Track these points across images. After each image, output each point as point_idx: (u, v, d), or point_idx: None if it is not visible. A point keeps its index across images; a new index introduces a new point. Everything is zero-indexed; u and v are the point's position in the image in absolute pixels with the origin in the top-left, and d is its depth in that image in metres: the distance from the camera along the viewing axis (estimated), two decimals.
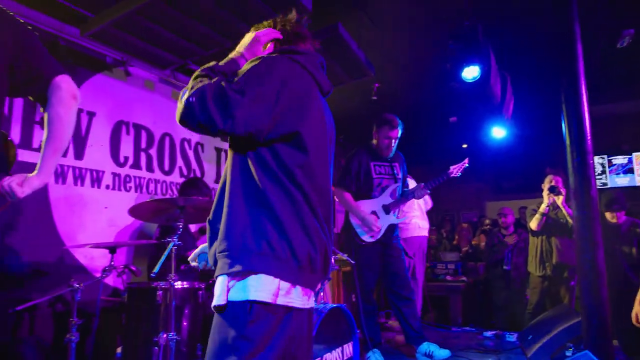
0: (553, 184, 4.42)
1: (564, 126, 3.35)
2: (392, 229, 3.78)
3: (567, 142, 3.33)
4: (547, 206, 4.41)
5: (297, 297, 1.28)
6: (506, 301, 5.46)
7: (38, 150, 3.35)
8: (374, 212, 3.68)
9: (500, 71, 4.17)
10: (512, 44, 4.45)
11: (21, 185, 1.48)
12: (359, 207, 3.67)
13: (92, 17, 3.43)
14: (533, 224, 4.58)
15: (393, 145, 3.78)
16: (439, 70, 4.51)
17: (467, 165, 3.79)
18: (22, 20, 1.53)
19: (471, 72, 3.56)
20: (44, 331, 3.23)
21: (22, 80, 1.47)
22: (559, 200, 4.34)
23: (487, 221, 7.48)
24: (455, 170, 3.78)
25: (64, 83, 1.52)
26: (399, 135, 3.79)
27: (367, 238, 3.70)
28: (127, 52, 3.77)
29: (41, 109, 1.56)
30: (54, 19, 3.45)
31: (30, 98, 1.57)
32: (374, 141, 3.85)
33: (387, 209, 3.71)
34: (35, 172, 1.52)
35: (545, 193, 4.42)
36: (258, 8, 3.10)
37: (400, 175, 3.86)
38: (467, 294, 6.08)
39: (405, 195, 3.77)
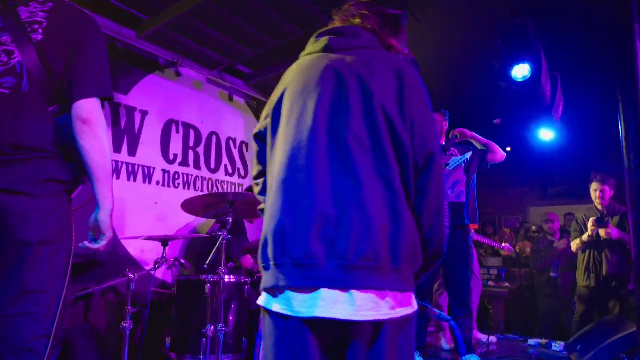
0: (599, 208, 4.24)
1: (620, 128, 3.22)
2: (451, 215, 3.30)
3: (624, 144, 3.19)
4: (590, 236, 4.21)
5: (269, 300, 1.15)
6: (552, 309, 5.29)
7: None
8: None
9: (550, 71, 4.05)
10: (564, 43, 4.31)
11: (99, 238, 1.51)
12: None
13: (146, 19, 3.58)
14: (573, 246, 4.44)
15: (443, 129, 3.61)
16: (484, 69, 4.42)
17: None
18: (91, 23, 1.48)
19: (521, 71, 3.48)
20: (98, 319, 3.38)
21: (63, 87, 1.38)
22: (603, 232, 4.12)
23: (534, 227, 7.25)
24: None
25: (78, 109, 1.36)
26: (441, 118, 3.60)
27: None
28: (178, 52, 3.91)
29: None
30: (111, 21, 3.62)
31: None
32: None
33: None
34: (97, 209, 1.48)
35: (590, 224, 4.21)
36: (308, 9, 3.14)
37: (455, 153, 3.57)
38: (510, 301, 5.91)
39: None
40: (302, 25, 1.64)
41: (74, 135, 1.37)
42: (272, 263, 1.11)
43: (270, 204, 1.17)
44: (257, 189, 1.44)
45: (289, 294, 1.07)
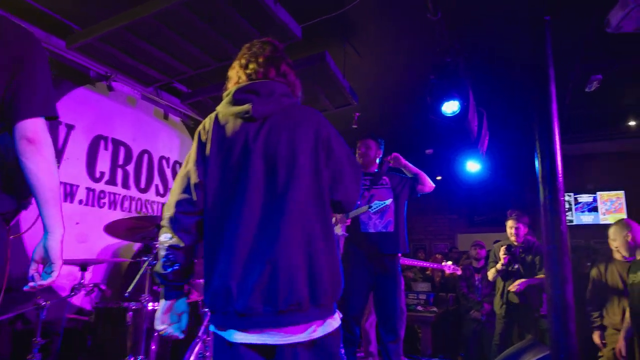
0: (511, 237, 4.56)
1: (537, 164, 3.48)
2: (380, 244, 3.49)
3: (540, 179, 3.45)
4: (503, 265, 4.51)
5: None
6: (476, 333, 5.51)
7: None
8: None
9: (477, 107, 4.32)
10: (490, 82, 4.64)
11: (48, 271, 1.43)
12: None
13: (79, 30, 3.41)
14: (489, 275, 4.73)
15: (368, 152, 3.69)
16: (417, 103, 4.65)
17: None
18: (35, 41, 1.42)
19: (451, 107, 3.67)
20: (2, 351, 3.06)
21: (10, 99, 1.32)
22: (512, 287, 4.42)
23: (465, 256, 7.59)
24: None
25: (24, 129, 1.32)
26: (375, 146, 3.72)
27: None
28: (112, 66, 3.75)
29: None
30: (40, 29, 3.41)
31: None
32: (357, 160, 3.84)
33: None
34: (45, 235, 1.41)
35: (502, 252, 4.51)
36: (247, 31, 3.14)
37: (390, 184, 3.66)
38: (437, 325, 6.10)
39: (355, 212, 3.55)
40: (241, 47, 1.66)
41: (18, 155, 1.31)
42: (221, 312, 1.40)
43: (214, 259, 1.44)
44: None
45: (233, 331, 1.39)
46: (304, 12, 3.32)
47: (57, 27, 3.44)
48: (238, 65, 1.65)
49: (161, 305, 1.52)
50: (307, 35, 3.37)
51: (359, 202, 3.54)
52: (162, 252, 1.50)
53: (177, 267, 1.49)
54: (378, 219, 3.57)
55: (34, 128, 1.32)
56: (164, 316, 1.51)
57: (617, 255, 4.02)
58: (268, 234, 1.40)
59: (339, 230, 3.50)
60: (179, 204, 1.52)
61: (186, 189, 1.53)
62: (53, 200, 1.38)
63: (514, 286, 4.39)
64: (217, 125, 1.57)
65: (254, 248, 1.40)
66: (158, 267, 1.50)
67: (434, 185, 3.75)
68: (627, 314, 3.69)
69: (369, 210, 3.47)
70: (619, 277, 3.85)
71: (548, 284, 3.36)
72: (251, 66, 1.60)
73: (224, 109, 1.59)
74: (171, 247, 1.49)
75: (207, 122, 1.62)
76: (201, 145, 1.57)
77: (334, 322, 1.45)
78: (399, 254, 3.57)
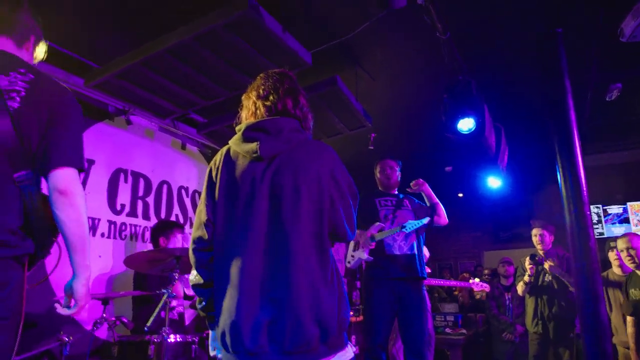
0: (537, 247, 4.44)
1: (559, 178, 3.39)
2: (404, 267, 3.40)
3: (563, 193, 3.36)
4: (530, 276, 4.39)
5: None
6: (509, 355, 5.30)
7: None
8: (357, 242, 3.56)
9: (494, 123, 4.26)
10: (505, 97, 4.59)
11: (72, 305, 1.54)
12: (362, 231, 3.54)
13: (97, 68, 3.52)
14: (518, 289, 4.60)
15: (391, 175, 3.70)
16: (434, 121, 4.60)
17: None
18: (70, 96, 1.52)
19: (466, 124, 3.63)
20: None
21: (37, 155, 1.41)
22: (547, 265, 4.31)
23: (486, 271, 7.39)
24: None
25: (63, 179, 1.40)
26: (394, 165, 3.75)
27: (346, 263, 3.60)
28: (129, 101, 3.84)
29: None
30: (59, 69, 3.54)
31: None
32: (378, 182, 3.84)
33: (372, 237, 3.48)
34: (74, 277, 1.52)
35: (527, 263, 4.40)
36: (257, 60, 3.19)
37: (404, 208, 3.65)
38: (467, 348, 5.90)
39: (381, 234, 3.50)
40: (253, 77, 1.70)
41: (51, 205, 1.41)
42: (230, 349, 1.43)
43: (221, 296, 1.48)
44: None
45: None
46: (313, 38, 3.37)
47: (75, 66, 3.56)
48: (255, 96, 1.67)
49: (210, 334, 1.65)
50: (317, 61, 3.40)
51: (383, 224, 3.51)
52: (193, 290, 1.63)
53: (204, 303, 1.60)
54: (403, 241, 3.52)
55: (66, 179, 1.41)
56: (213, 343, 1.63)
57: (617, 270, 3.95)
58: (273, 275, 1.42)
59: (362, 255, 3.44)
60: (195, 240, 1.60)
61: (199, 226, 1.60)
62: (81, 248, 1.48)
63: (548, 263, 4.27)
64: (227, 162, 1.61)
65: (260, 288, 1.41)
66: (197, 303, 1.64)
67: (447, 221, 3.73)
68: (631, 330, 3.56)
69: (403, 230, 3.42)
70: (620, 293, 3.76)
71: (580, 302, 3.23)
72: (272, 98, 1.64)
73: (234, 145, 1.63)
74: (195, 286, 1.60)
75: (218, 157, 1.66)
76: (211, 183, 1.62)
77: (347, 354, 1.46)
78: (423, 277, 3.50)
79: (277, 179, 1.51)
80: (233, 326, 1.40)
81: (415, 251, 3.49)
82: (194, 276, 1.60)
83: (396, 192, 3.81)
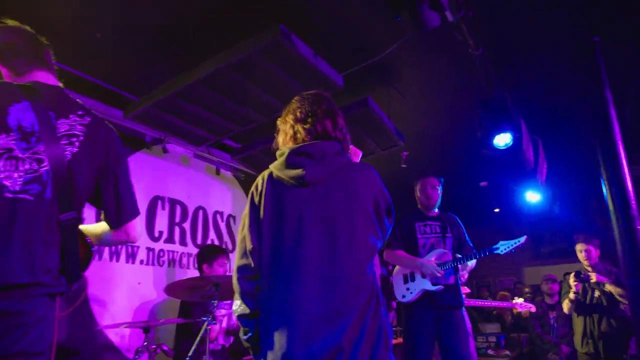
0: (583, 269, 4.24)
1: (605, 192, 3.25)
2: (446, 297, 3.33)
3: (611, 208, 3.20)
4: (576, 293, 4.21)
5: None
6: None
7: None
8: (411, 273, 3.41)
9: (531, 136, 4.15)
10: (543, 110, 4.47)
11: None
12: (411, 257, 3.44)
13: (134, 100, 3.64)
14: (564, 307, 4.40)
15: (431, 195, 3.55)
16: (468, 137, 4.53)
17: (522, 243, 3.33)
18: (121, 143, 1.60)
19: (503, 140, 3.55)
20: None
21: (104, 203, 1.52)
22: (594, 278, 4.10)
23: (527, 289, 7.12)
24: (504, 247, 3.35)
25: (131, 230, 1.56)
26: (437, 184, 3.59)
27: (399, 297, 3.44)
28: (165, 130, 3.94)
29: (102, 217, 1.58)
30: (99, 102, 3.68)
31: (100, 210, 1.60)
32: (418, 200, 3.73)
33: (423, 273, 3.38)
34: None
35: (572, 280, 4.21)
36: (289, 85, 3.22)
37: (450, 235, 3.52)
38: None
39: (443, 265, 3.35)
40: (286, 101, 1.72)
41: (109, 237, 1.56)
42: None
43: (269, 326, 1.45)
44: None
45: None
46: (344, 59, 3.38)
47: (115, 99, 3.69)
48: (293, 119, 1.64)
49: None
50: (349, 82, 3.41)
51: (445, 250, 3.44)
52: (239, 321, 1.59)
53: (251, 334, 1.55)
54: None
55: (137, 229, 1.59)
56: None
57: None
58: (331, 307, 1.38)
59: (427, 285, 3.32)
60: (239, 269, 1.56)
61: (244, 254, 1.56)
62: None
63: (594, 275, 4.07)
64: (271, 188, 1.57)
65: (316, 321, 1.37)
66: (241, 333, 1.61)
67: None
68: None
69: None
70: None
71: (635, 321, 3.05)
72: (310, 120, 1.61)
73: (277, 171, 1.59)
74: (241, 316, 1.56)
75: (260, 182, 1.62)
76: (254, 209, 1.59)
77: None
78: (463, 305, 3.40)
79: (327, 205, 1.48)
80: (286, 358, 1.37)
81: (452, 281, 3.39)
82: (238, 306, 1.56)
83: (437, 213, 3.64)
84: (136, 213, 1.58)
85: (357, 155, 1.94)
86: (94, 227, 1.60)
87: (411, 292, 3.39)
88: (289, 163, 1.55)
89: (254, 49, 2.81)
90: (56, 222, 1.37)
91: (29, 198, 1.33)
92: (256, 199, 1.60)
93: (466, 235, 3.65)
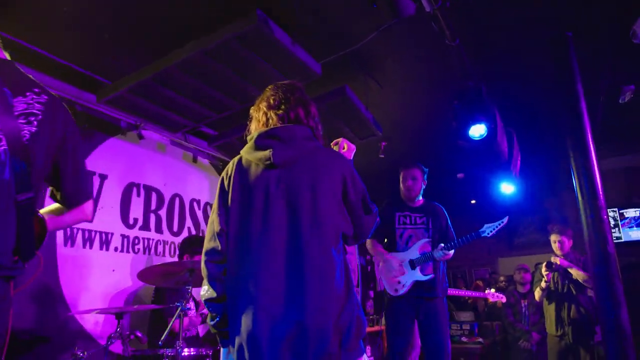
0: (552, 256, 4.40)
1: (574, 183, 3.34)
2: (427, 288, 3.45)
3: (579, 198, 3.30)
4: (547, 282, 4.39)
5: None
6: None
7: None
8: (400, 266, 3.50)
9: (506, 128, 4.22)
10: (517, 102, 4.55)
11: None
12: (384, 254, 3.53)
13: (108, 84, 3.57)
14: (536, 295, 4.59)
15: (411, 186, 3.61)
16: (445, 128, 4.58)
17: (504, 224, 3.51)
18: (76, 125, 1.57)
19: (478, 130, 3.60)
20: None
21: (61, 182, 1.50)
22: (558, 261, 4.28)
23: (502, 278, 7.29)
24: (489, 229, 3.51)
25: (88, 209, 1.56)
26: (419, 175, 3.65)
27: (391, 291, 3.50)
28: (141, 116, 3.88)
29: (53, 198, 1.56)
30: (71, 86, 3.60)
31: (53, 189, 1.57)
32: (400, 190, 3.77)
33: (412, 264, 3.47)
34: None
35: (543, 270, 4.37)
36: (267, 72, 3.20)
37: (431, 226, 3.60)
38: (484, 357, 5.80)
39: (426, 256, 3.47)
40: (262, 88, 1.72)
41: (65, 217, 1.53)
42: None
43: (236, 308, 1.45)
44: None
45: None
46: (322, 48, 3.37)
47: (87, 83, 3.61)
48: (266, 106, 1.66)
49: (222, 351, 1.61)
50: (327, 71, 3.41)
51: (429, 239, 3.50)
52: (205, 306, 1.58)
53: (218, 319, 1.55)
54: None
55: (92, 210, 1.58)
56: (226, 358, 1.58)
57: None
58: (294, 284, 1.39)
59: (419, 275, 3.42)
60: (207, 252, 1.56)
61: (212, 238, 1.56)
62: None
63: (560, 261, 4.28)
64: (239, 171, 1.58)
65: (282, 299, 1.38)
66: (207, 319, 1.60)
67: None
68: None
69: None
70: None
71: (600, 309, 3.16)
72: (283, 107, 1.62)
73: (246, 154, 1.60)
74: (208, 301, 1.55)
75: (230, 167, 1.64)
76: (223, 193, 1.59)
77: None
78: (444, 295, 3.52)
79: (293, 186, 1.49)
80: (251, 340, 1.37)
81: (434, 273, 3.48)
82: (205, 291, 1.56)
83: (420, 204, 3.70)
84: (92, 194, 1.59)
85: (350, 149, 1.93)
86: (49, 207, 1.58)
87: (403, 285, 3.46)
88: (258, 145, 1.56)
89: (230, 34, 2.79)
90: (13, 202, 1.34)
91: None
92: (225, 183, 1.61)
93: (450, 225, 3.72)
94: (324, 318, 1.36)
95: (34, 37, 3.11)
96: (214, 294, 1.53)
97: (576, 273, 4.20)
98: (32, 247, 1.40)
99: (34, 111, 1.41)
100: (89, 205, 1.56)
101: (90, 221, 1.74)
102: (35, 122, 1.40)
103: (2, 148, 1.33)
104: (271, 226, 1.45)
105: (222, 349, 1.60)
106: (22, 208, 1.36)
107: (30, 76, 1.48)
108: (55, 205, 1.55)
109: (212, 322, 1.57)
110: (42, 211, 1.52)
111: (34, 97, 1.43)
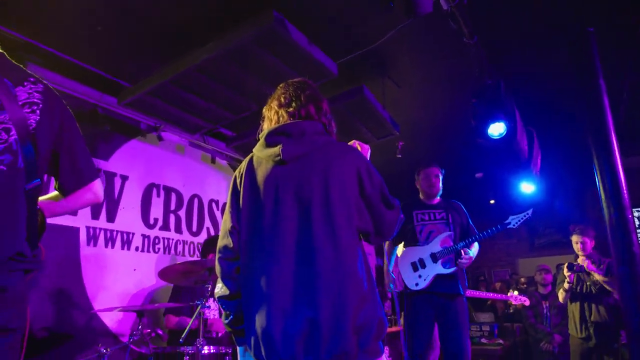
0: (579, 258, 4.31)
1: (597, 181, 3.27)
2: (449, 283, 3.39)
3: (603, 197, 3.23)
4: (570, 283, 4.29)
5: None
6: None
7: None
8: (420, 260, 3.44)
9: (525, 127, 4.16)
10: (537, 100, 4.48)
11: None
12: (389, 257, 3.51)
13: (129, 87, 3.64)
14: (559, 296, 4.49)
15: (435, 184, 3.59)
16: (463, 127, 4.54)
17: (529, 215, 3.47)
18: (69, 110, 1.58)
19: (497, 129, 3.56)
20: None
21: (58, 171, 1.50)
22: (586, 264, 4.18)
23: (523, 279, 7.17)
24: (515, 221, 3.48)
25: (95, 190, 1.56)
26: (439, 174, 3.63)
27: (411, 285, 3.43)
28: (160, 118, 3.94)
29: (56, 186, 1.56)
30: (93, 89, 3.68)
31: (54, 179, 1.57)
32: (419, 191, 3.73)
33: (434, 257, 3.42)
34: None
35: (565, 271, 4.29)
36: (284, 73, 3.21)
37: (451, 221, 3.55)
38: (504, 358, 5.71)
39: (449, 250, 3.42)
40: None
41: (74, 193, 1.52)
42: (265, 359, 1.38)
43: (251, 304, 1.44)
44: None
45: None
46: (339, 48, 3.38)
47: (109, 86, 3.69)
48: (277, 105, 1.65)
49: (239, 350, 1.59)
50: (343, 71, 3.41)
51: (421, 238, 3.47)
52: (219, 304, 1.57)
53: (232, 317, 1.54)
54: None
55: (101, 189, 1.57)
56: (243, 354, 1.56)
57: None
58: (307, 282, 1.36)
59: (441, 269, 3.37)
60: (220, 250, 1.56)
61: (224, 235, 1.57)
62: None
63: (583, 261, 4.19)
64: (251, 169, 1.58)
65: (293, 297, 1.36)
66: (222, 317, 1.58)
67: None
68: None
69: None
70: None
71: (625, 310, 3.09)
72: (294, 105, 1.61)
73: (258, 152, 1.60)
74: (221, 298, 1.54)
75: (242, 166, 1.64)
76: (235, 191, 1.60)
77: None
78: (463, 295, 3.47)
79: (303, 181, 1.46)
80: (266, 336, 1.36)
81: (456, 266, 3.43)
82: (219, 289, 1.55)
83: (438, 201, 3.67)
84: (96, 175, 1.58)
85: (364, 150, 1.84)
86: (46, 196, 1.59)
87: (424, 279, 3.41)
88: (268, 142, 1.56)
89: (247, 35, 2.81)
90: (23, 194, 1.35)
91: (3, 168, 1.32)
92: (238, 181, 1.60)
93: (470, 221, 3.68)
94: (340, 315, 1.32)
95: (57, 41, 3.19)
96: (227, 292, 1.52)
97: (597, 276, 4.11)
98: (36, 237, 1.41)
99: (35, 100, 1.42)
100: (94, 185, 1.55)
101: (101, 202, 1.72)
102: (38, 111, 1.42)
103: (13, 138, 1.35)
104: (281, 221, 1.43)
105: (238, 348, 1.59)
106: (30, 196, 1.37)
107: (21, 66, 1.50)
108: (53, 193, 1.55)
109: (226, 320, 1.56)
110: (41, 198, 1.53)
111: (32, 86, 1.44)
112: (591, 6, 3.22)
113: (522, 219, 3.43)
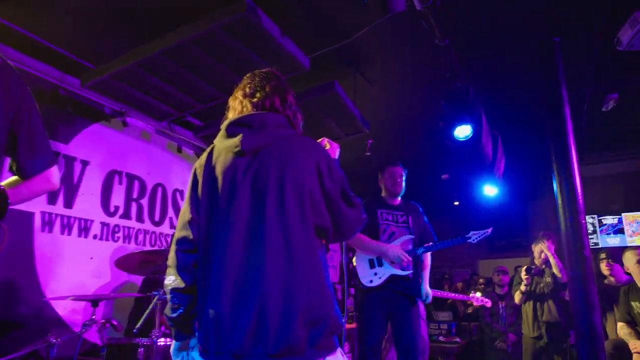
0: (542, 252, 4.55)
1: (555, 186, 3.39)
2: (405, 285, 3.41)
3: (559, 202, 3.35)
4: (527, 286, 4.53)
5: None
6: None
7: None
8: (379, 258, 3.43)
9: (491, 131, 4.26)
10: (502, 105, 4.60)
11: None
12: (377, 242, 3.49)
13: (93, 69, 3.50)
14: (515, 298, 4.71)
15: (400, 183, 3.59)
16: (431, 128, 4.61)
17: (488, 233, 3.53)
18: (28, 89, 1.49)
19: (463, 131, 3.63)
20: None
21: (17, 152, 1.43)
22: (543, 247, 4.48)
23: (481, 280, 7.38)
24: (475, 237, 3.51)
25: (52, 177, 1.50)
26: (403, 174, 3.64)
27: (365, 282, 3.45)
28: (125, 103, 3.82)
29: (12, 172, 1.48)
30: (55, 69, 3.53)
31: (10, 160, 1.48)
32: (382, 189, 3.77)
33: None
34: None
35: (523, 274, 4.53)
36: (255, 64, 3.17)
37: (412, 225, 3.58)
38: (460, 356, 5.86)
39: (409, 253, 3.41)
40: None
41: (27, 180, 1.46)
42: (213, 351, 1.35)
43: (204, 296, 1.42)
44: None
45: None
46: (312, 42, 3.36)
47: (71, 66, 3.54)
48: (242, 95, 1.62)
49: (173, 345, 1.54)
50: (315, 65, 3.39)
51: (412, 236, 3.50)
52: (168, 296, 1.50)
53: (181, 311, 1.49)
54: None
55: (58, 177, 1.53)
56: (176, 355, 1.53)
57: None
58: (256, 273, 1.34)
59: (395, 270, 3.38)
60: (178, 241, 1.52)
61: (183, 226, 1.53)
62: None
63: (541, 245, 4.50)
64: (210, 160, 1.54)
65: (242, 287, 1.34)
66: (167, 311, 1.51)
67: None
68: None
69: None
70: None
71: (574, 311, 3.22)
72: (258, 95, 1.58)
73: (218, 143, 1.57)
74: (174, 290, 1.49)
75: (203, 156, 1.60)
76: (195, 182, 1.56)
77: (336, 358, 1.37)
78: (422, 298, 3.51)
79: (260, 173, 1.44)
80: (215, 327, 1.34)
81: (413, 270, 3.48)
82: (172, 280, 1.48)
83: (399, 202, 3.70)
84: (53, 161, 1.51)
85: (333, 148, 1.78)
86: (8, 180, 1.50)
87: (379, 277, 3.42)
88: (229, 133, 1.53)
89: (218, 22, 2.75)
90: None
91: None
92: (197, 171, 1.57)
93: (428, 223, 3.73)
94: (288, 309, 1.30)
95: (17, 17, 3.03)
96: (182, 284, 1.47)
97: (554, 265, 4.30)
98: None
99: None
100: (51, 172, 1.49)
101: (57, 189, 1.56)
102: None
103: None
104: (235, 213, 1.41)
105: (173, 343, 1.54)
106: None
107: None
108: (13, 177, 1.48)
109: (173, 314, 1.48)
110: (2, 183, 1.46)
111: None
112: (558, 16, 3.33)
113: (481, 235, 3.47)
